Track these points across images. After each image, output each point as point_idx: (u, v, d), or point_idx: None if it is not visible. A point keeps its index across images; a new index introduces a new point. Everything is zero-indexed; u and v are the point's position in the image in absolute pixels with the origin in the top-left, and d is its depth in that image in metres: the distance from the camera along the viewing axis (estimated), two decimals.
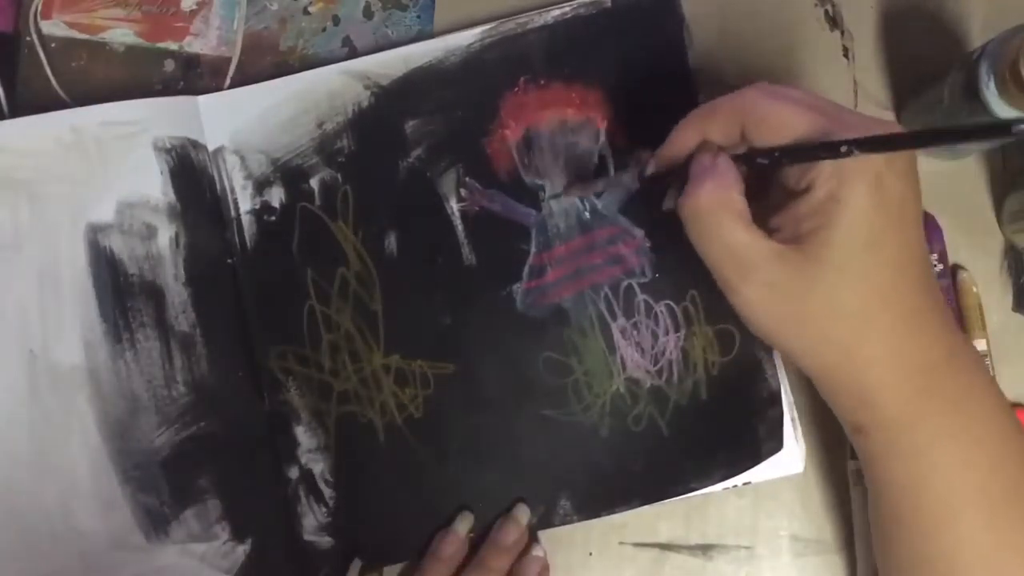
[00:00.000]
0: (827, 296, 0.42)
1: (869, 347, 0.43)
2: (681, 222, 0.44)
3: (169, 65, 0.62)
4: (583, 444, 0.57)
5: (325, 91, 0.58)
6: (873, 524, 0.48)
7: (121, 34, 0.62)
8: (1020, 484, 0.44)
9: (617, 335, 0.57)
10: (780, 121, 0.42)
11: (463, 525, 0.57)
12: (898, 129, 0.41)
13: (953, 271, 0.58)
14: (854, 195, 0.40)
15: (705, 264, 0.44)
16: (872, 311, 0.42)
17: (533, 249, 0.58)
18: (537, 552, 0.58)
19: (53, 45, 0.61)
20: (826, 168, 0.41)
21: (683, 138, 0.46)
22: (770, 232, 0.44)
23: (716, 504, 0.58)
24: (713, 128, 0.45)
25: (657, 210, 0.49)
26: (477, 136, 0.58)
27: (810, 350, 0.44)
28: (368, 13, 0.62)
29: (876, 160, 0.40)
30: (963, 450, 0.44)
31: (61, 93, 0.61)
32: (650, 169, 0.49)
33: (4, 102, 0.60)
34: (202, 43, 0.62)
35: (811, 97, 0.43)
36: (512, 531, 0.57)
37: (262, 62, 0.62)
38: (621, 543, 0.59)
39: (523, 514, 0.57)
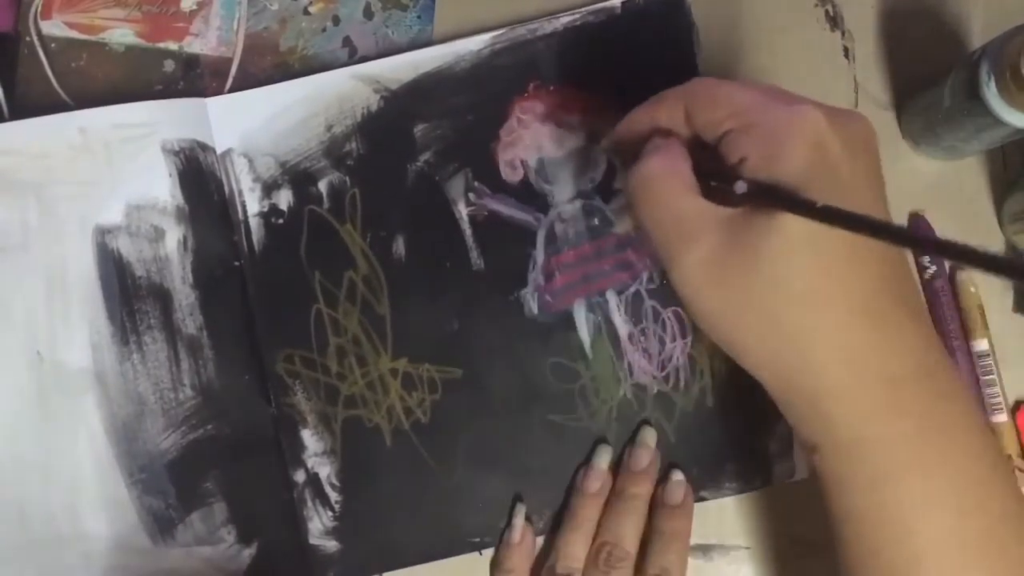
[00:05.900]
0: (772, 270, 0.37)
1: (821, 340, 0.38)
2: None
3: (169, 65, 0.61)
4: (590, 450, 0.57)
5: (334, 94, 0.58)
6: (837, 552, 0.42)
7: (121, 34, 0.61)
8: (997, 529, 0.39)
9: (624, 341, 0.57)
10: (721, 93, 0.41)
11: (603, 459, 0.56)
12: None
13: (952, 271, 0.58)
14: (791, 152, 0.37)
15: (649, 236, 0.41)
16: (823, 295, 0.37)
17: (541, 254, 0.58)
18: (677, 476, 0.56)
19: (53, 45, 0.61)
20: (758, 131, 0.39)
21: (634, 120, 0.45)
22: None
23: (716, 505, 0.58)
24: (661, 112, 0.44)
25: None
26: (486, 141, 0.58)
27: (756, 343, 0.39)
28: (368, 13, 0.61)
29: (816, 120, 0.38)
30: (933, 486, 0.38)
31: (61, 93, 0.60)
32: (604, 143, 0.51)
33: (4, 103, 0.60)
34: (202, 43, 0.61)
35: (750, 82, 0.42)
36: (643, 456, 0.56)
37: (262, 62, 0.61)
38: None
39: (650, 436, 0.56)
